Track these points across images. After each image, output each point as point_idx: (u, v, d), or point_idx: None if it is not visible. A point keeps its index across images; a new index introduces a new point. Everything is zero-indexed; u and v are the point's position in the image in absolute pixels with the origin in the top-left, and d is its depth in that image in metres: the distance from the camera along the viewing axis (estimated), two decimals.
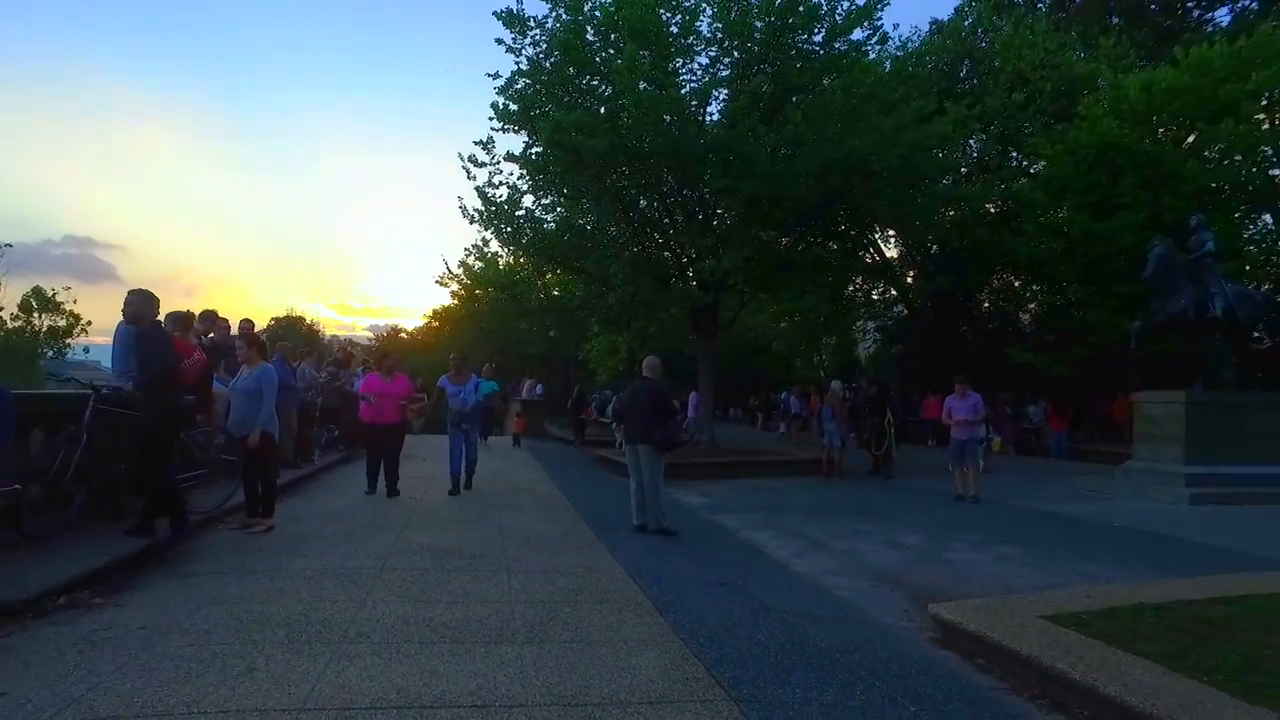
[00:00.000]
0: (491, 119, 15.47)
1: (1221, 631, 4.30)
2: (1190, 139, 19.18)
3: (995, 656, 4.29)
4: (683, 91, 14.65)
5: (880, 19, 15.03)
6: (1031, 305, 25.48)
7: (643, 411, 7.93)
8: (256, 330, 10.08)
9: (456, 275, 27.29)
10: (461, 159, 16.43)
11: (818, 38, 14.59)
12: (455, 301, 36.92)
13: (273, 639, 4.11)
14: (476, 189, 16.83)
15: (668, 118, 14.02)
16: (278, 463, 8.61)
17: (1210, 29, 27.05)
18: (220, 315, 9.79)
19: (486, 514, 8.56)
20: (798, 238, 17.86)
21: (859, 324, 32.73)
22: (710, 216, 16.56)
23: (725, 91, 15.31)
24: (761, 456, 15.81)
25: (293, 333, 54.05)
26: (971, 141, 23.58)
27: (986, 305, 27.76)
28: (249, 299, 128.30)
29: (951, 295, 24.12)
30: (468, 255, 26.74)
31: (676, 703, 3.48)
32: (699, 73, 15.29)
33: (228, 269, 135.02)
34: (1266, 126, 19.27)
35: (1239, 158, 19.18)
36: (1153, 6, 29.93)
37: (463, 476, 9.91)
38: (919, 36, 26.55)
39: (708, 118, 15.55)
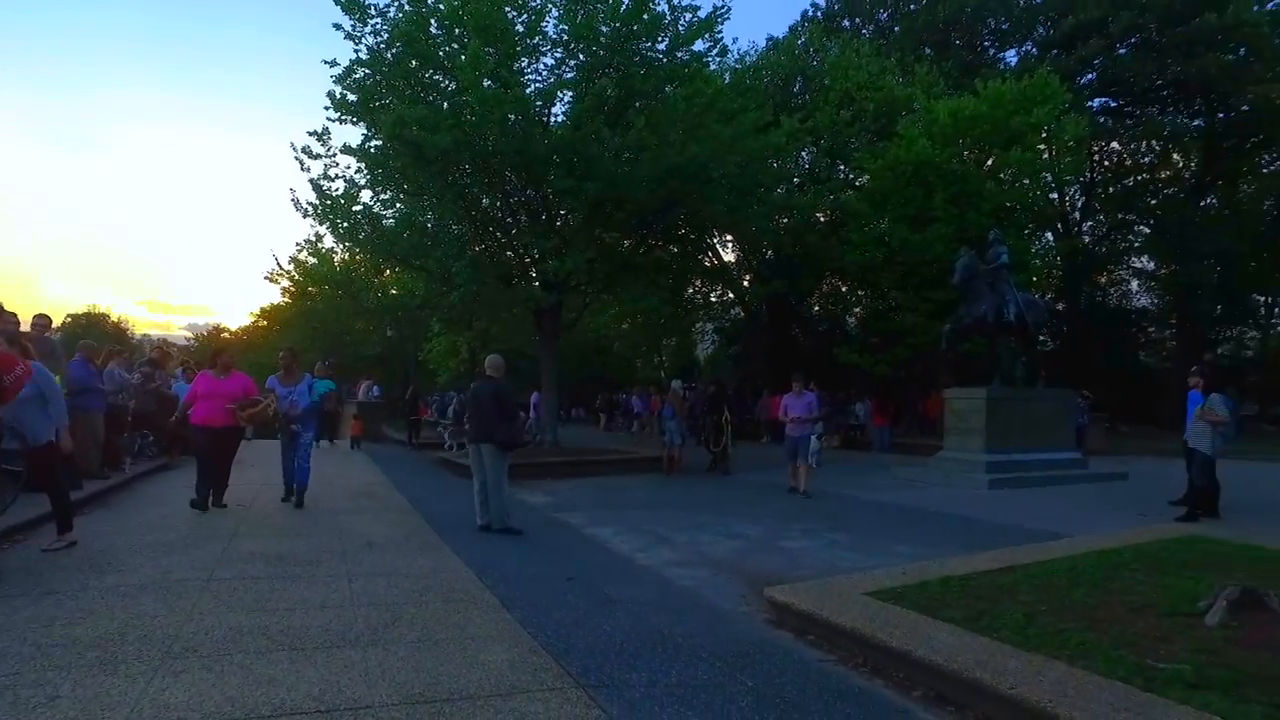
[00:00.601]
0: (328, 109, 14.77)
1: (1008, 595, 4.88)
2: (989, 162, 21.36)
3: (824, 632, 4.64)
4: (528, 91, 14.61)
5: (720, 32, 15.64)
6: (857, 309, 27.36)
7: (486, 411, 7.90)
8: (52, 328, 9.11)
9: (287, 271, 25.69)
10: (294, 149, 15.57)
11: (661, 46, 14.99)
12: (286, 299, 34.82)
13: (81, 662, 3.77)
14: (311, 181, 16.01)
15: (512, 117, 13.94)
16: (76, 472, 7.83)
17: (1002, 66, 30.27)
18: (6, 309, 8.74)
19: (324, 519, 8.20)
20: (640, 240, 18.26)
21: (698, 325, 33.93)
22: (554, 217, 16.61)
23: (570, 94, 15.42)
24: (604, 455, 16.04)
25: (95, 331, 48.95)
26: (804, 153, 25.04)
27: (817, 308, 29.57)
28: (36, 293, 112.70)
29: (785, 299, 25.52)
30: (300, 250, 25.32)
31: (526, 693, 3.53)
32: (544, 73, 15.31)
33: (4, 258, 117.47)
34: (1046, 156, 21.81)
35: (1026, 181, 21.59)
36: (957, 41, 33.06)
37: (297, 482, 9.38)
38: (757, 52, 27.94)
39: (552, 119, 15.61)
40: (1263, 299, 37.02)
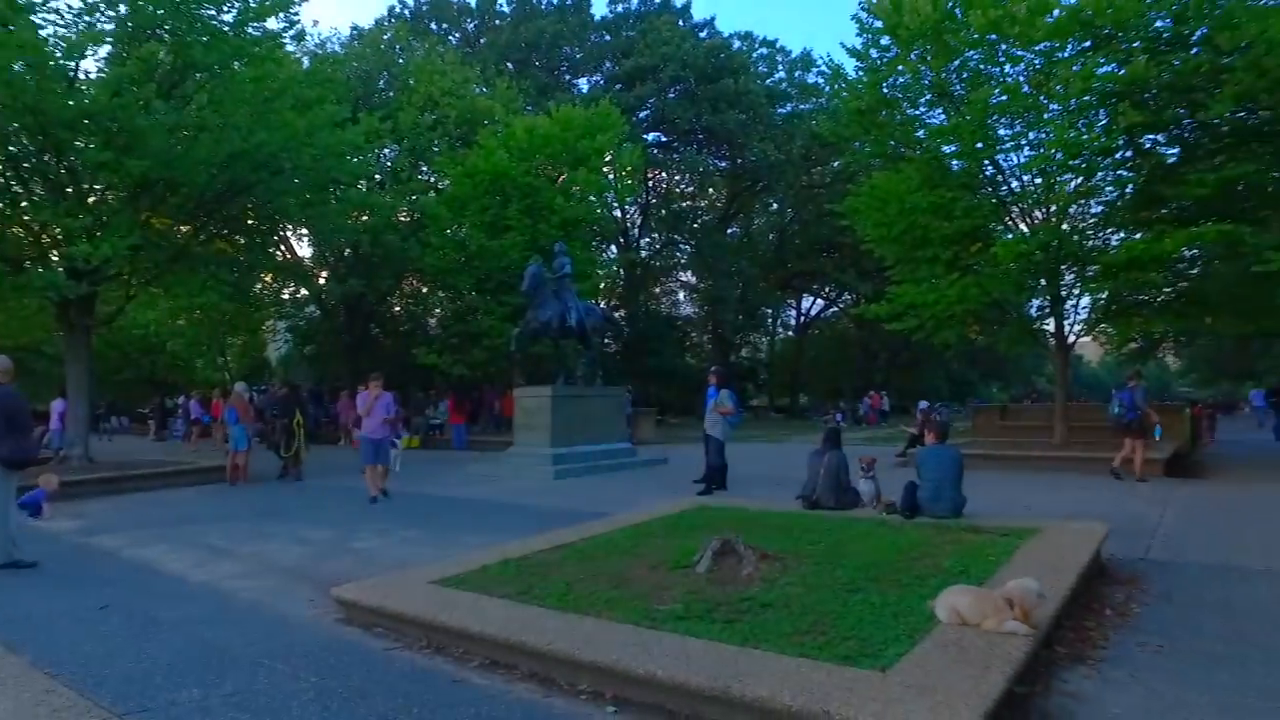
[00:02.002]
0: None
1: (556, 568, 5.59)
2: (560, 178, 23.33)
3: (391, 622, 4.84)
4: (44, 34, 12.19)
5: (298, 14, 14.78)
6: (438, 310, 27.71)
7: None
8: None
9: None
10: None
11: (227, 16, 13.63)
12: None
13: None
14: None
15: (19, 65, 11.52)
16: None
17: (575, 92, 33.34)
18: None
19: None
20: (199, 228, 16.33)
21: (269, 324, 31.36)
22: (86, 193, 14.10)
23: (108, 50, 13.25)
24: (154, 468, 14.10)
25: None
26: (386, 151, 24.67)
27: (398, 308, 29.32)
28: None
29: (364, 298, 24.85)
30: None
31: None
32: (69, 19, 12.86)
33: None
34: (609, 177, 24.61)
35: (593, 198, 24.07)
36: (537, 63, 35.50)
37: None
38: (340, 41, 26.78)
39: (82, 76, 13.27)
40: (770, 311, 46.07)
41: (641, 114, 34.27)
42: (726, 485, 11.53)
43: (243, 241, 18.62)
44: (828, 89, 20.67)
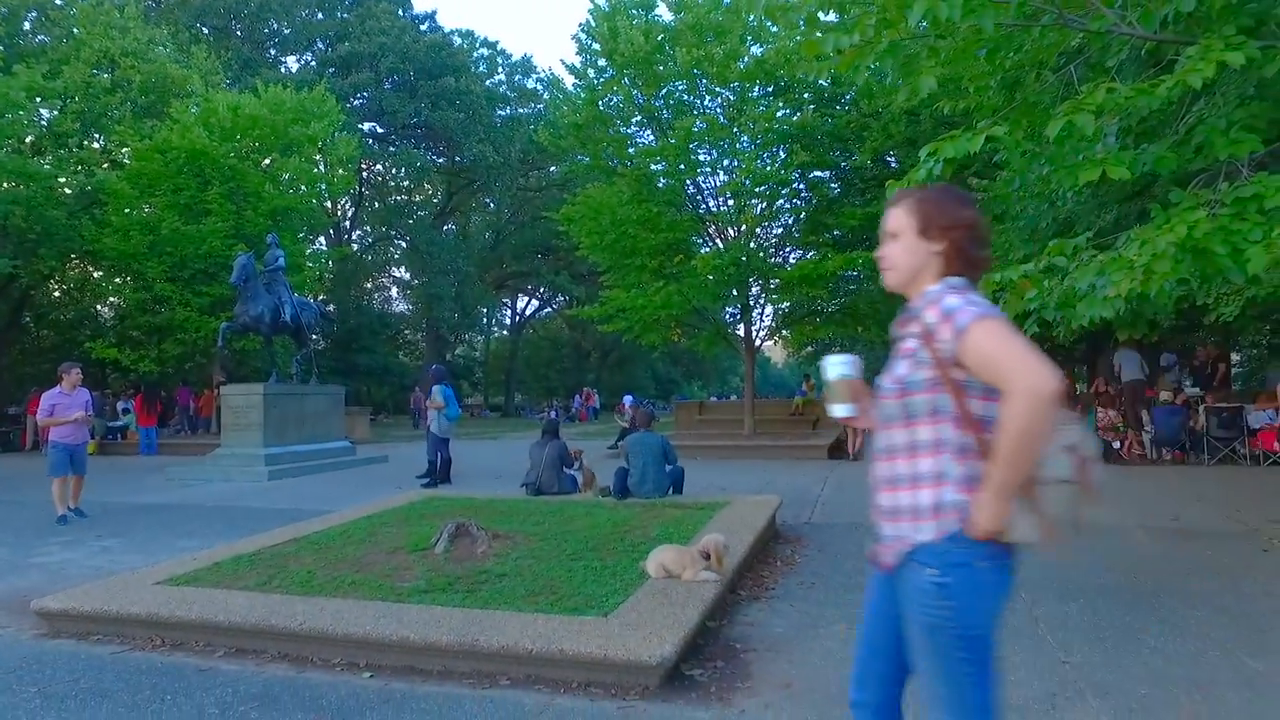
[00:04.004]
0: None
1: (294, 559, 5.71)
2: (268, 163, 21.83)
3: (115, 627, 4.68)
4: None
5: None
6: (114, 298, 24.44)
7: None
8: None
9: None
10: None
11: None
12: None
13: None
14: None
15: None
16: None
17: (284, 70, 31.14)
18: None
19: None
20: None
21: None
22: None
23: None
24: None
25: None
26: (44, 111, 21.29)
27: (58, 294, 25.40)
28: None
29: (15, 280, 21.23)
30: None
31: None
32: None
33: None
34: (322, 167, 23.52)
35: (304, 188, 22.83)
36: (238, 32, 32.53)
37: None
38: None
39: None
40: (485, 311, 46.41)
41: (356, 102, 32.93)
42: (450, 479, 11.89)
43: None
44: (548, 95, 21.65)
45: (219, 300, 18.82)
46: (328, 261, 30.24)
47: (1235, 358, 20.93)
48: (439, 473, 11.79)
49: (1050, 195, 6.84)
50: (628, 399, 24.96)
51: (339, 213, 36.76)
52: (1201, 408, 12.87)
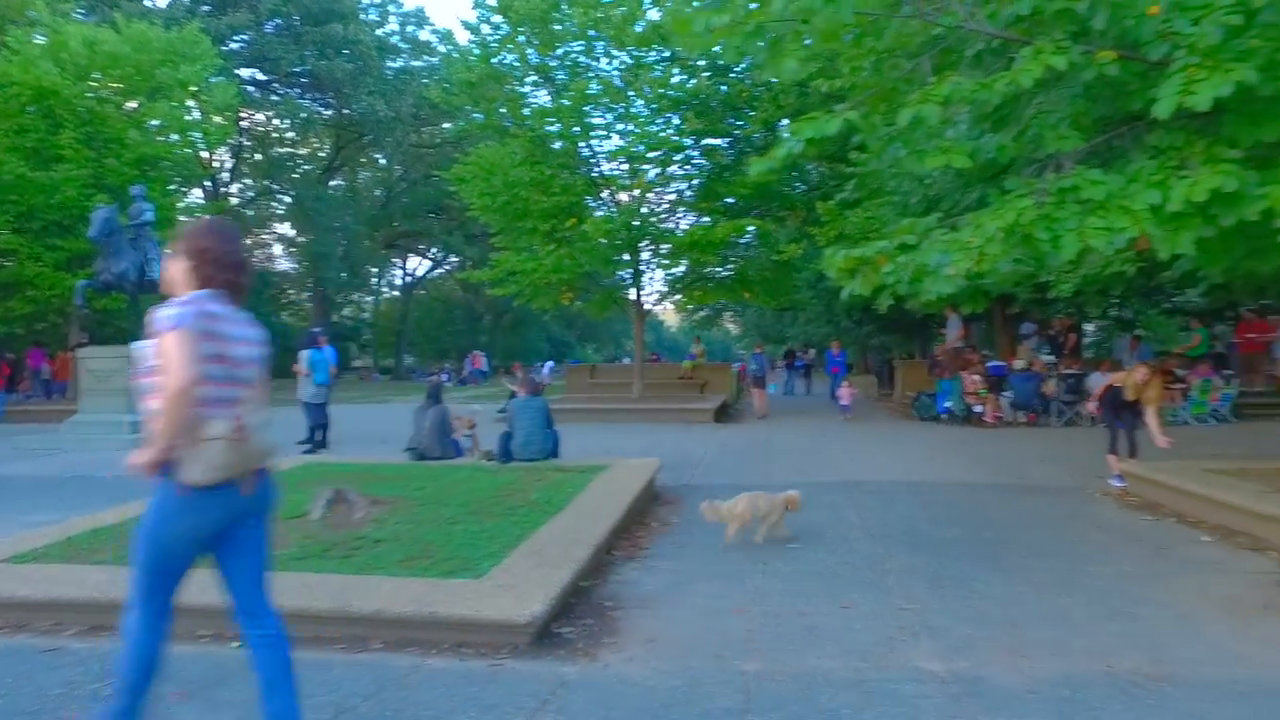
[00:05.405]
0: None
1: None
2: (133, 106, 20.27)
3: None
4: None
5: None
6: None
7: None
8: None
9: None
10: None
11: None
12: None
13: None
14: None
15: None
16: None
17: (150, 5, 28.79)
18: None
19: None
20: None
21: None
22: None
23: None
24: None
25: None
26: None
27: None
28: None
29: None
30: None
31: None
32: None
33: None
34: (197, 114, 22.03)
35: (175, 136, 21.37)
36: None
37: None
38: None
39: None
40: (376, 271, 44.94)
41: (234, 46, 30.89)
42: (328, 444, 11.61)
43: None
44: (443, 48, 20.91)
45: (77, 255, 17.49)
46: (204, 215, 28.47)
47: (1090, 328, 22.68)
48: (317, 438, 11.49)
49: (917, 175, 7.22)
50: (548, 365, 25.09)
51: (217, 164, 34.59)
52: (1053, 374, 13.97)
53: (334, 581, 4.29)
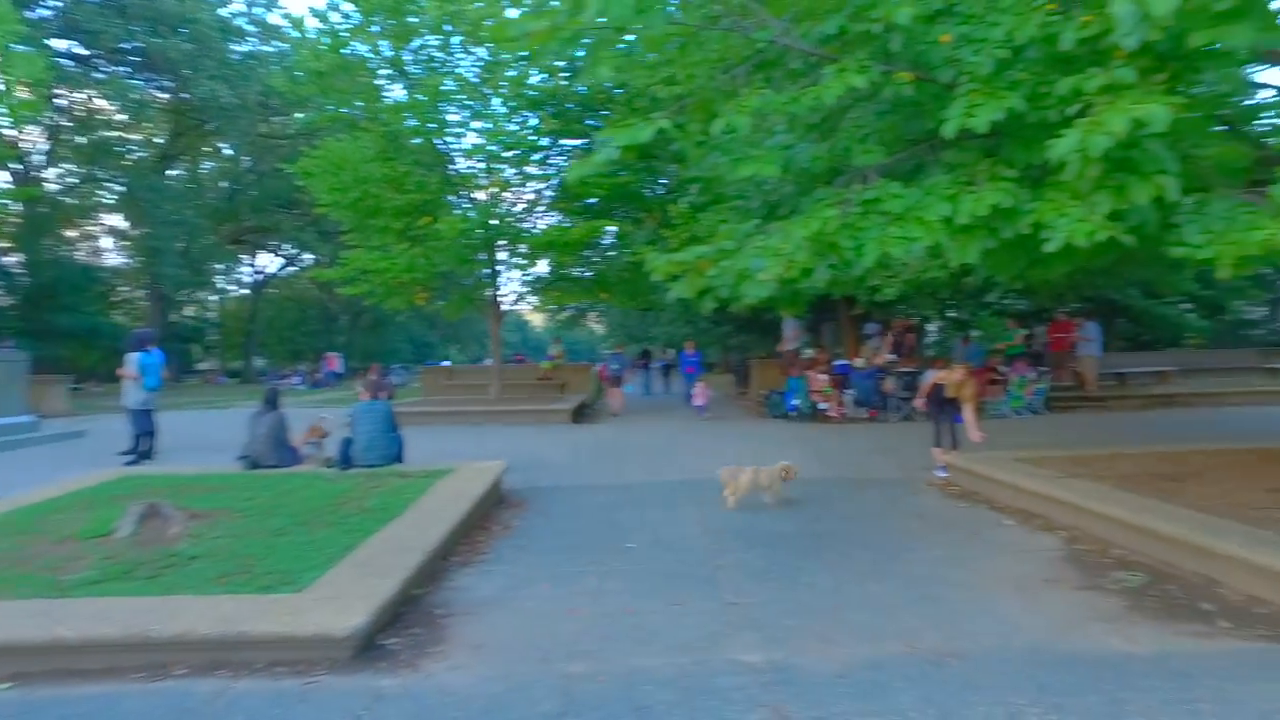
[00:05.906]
0: None
1: None
2: None
3: None
4: None
5: None
6: None
7: None
8: None
9: None
10: None
11: None
12: None
13: None
14: None
15: None
16: None
17: None
18: None
19: None
20: None
21: None
22: None
23: None
24: None
25: None
26: None
27: None
28: None
29: None
30: None
31: None
32: None
33: None
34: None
35: None
36: None
37: None
38: None
39: None
40: (221, 268, 42.07)
41: (43, 12, 28.02)
42: (153, 454, 10.77)
43: None
44: (291, 33, 19.78)
45: None
46: (8, 202, 25.76)
47: (932, 328, 24.30)
48: (141, 448, 10.64)
49: (757, 180, 7.48)
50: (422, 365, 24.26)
51: (28, 146, 31.31)
52: (892, 372, 14.88)
53: (133, 605, 3.99)
